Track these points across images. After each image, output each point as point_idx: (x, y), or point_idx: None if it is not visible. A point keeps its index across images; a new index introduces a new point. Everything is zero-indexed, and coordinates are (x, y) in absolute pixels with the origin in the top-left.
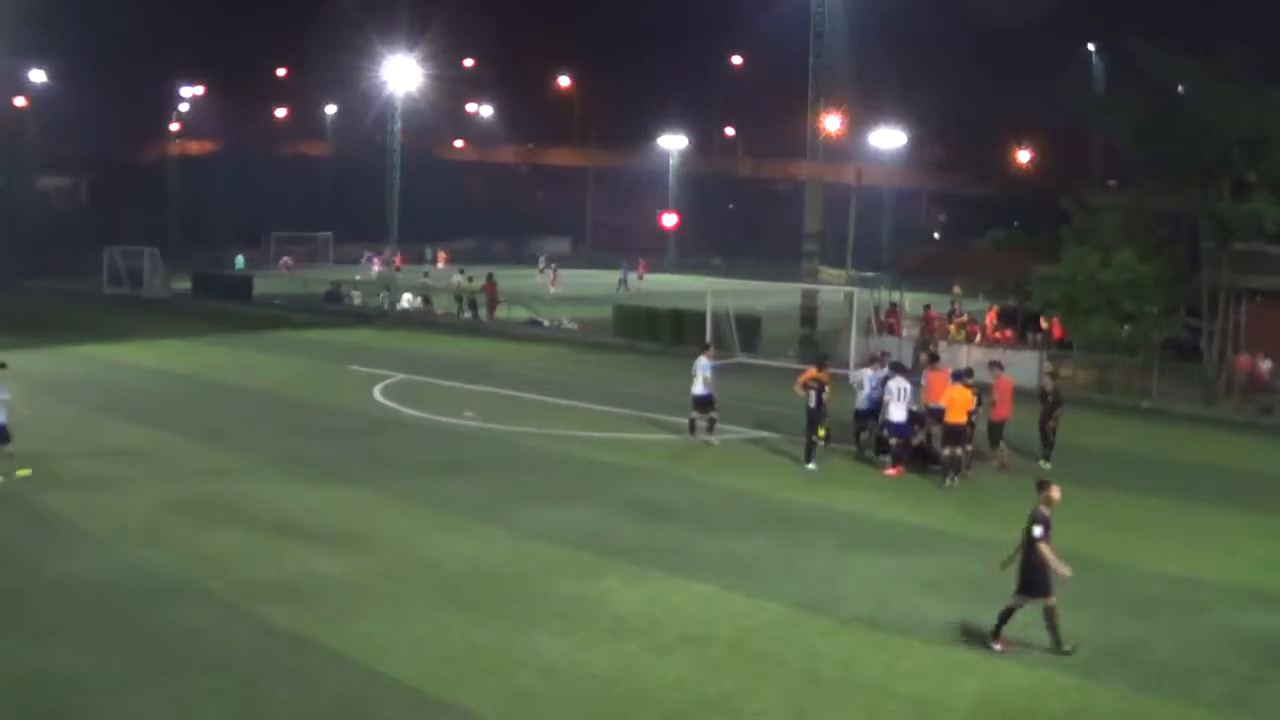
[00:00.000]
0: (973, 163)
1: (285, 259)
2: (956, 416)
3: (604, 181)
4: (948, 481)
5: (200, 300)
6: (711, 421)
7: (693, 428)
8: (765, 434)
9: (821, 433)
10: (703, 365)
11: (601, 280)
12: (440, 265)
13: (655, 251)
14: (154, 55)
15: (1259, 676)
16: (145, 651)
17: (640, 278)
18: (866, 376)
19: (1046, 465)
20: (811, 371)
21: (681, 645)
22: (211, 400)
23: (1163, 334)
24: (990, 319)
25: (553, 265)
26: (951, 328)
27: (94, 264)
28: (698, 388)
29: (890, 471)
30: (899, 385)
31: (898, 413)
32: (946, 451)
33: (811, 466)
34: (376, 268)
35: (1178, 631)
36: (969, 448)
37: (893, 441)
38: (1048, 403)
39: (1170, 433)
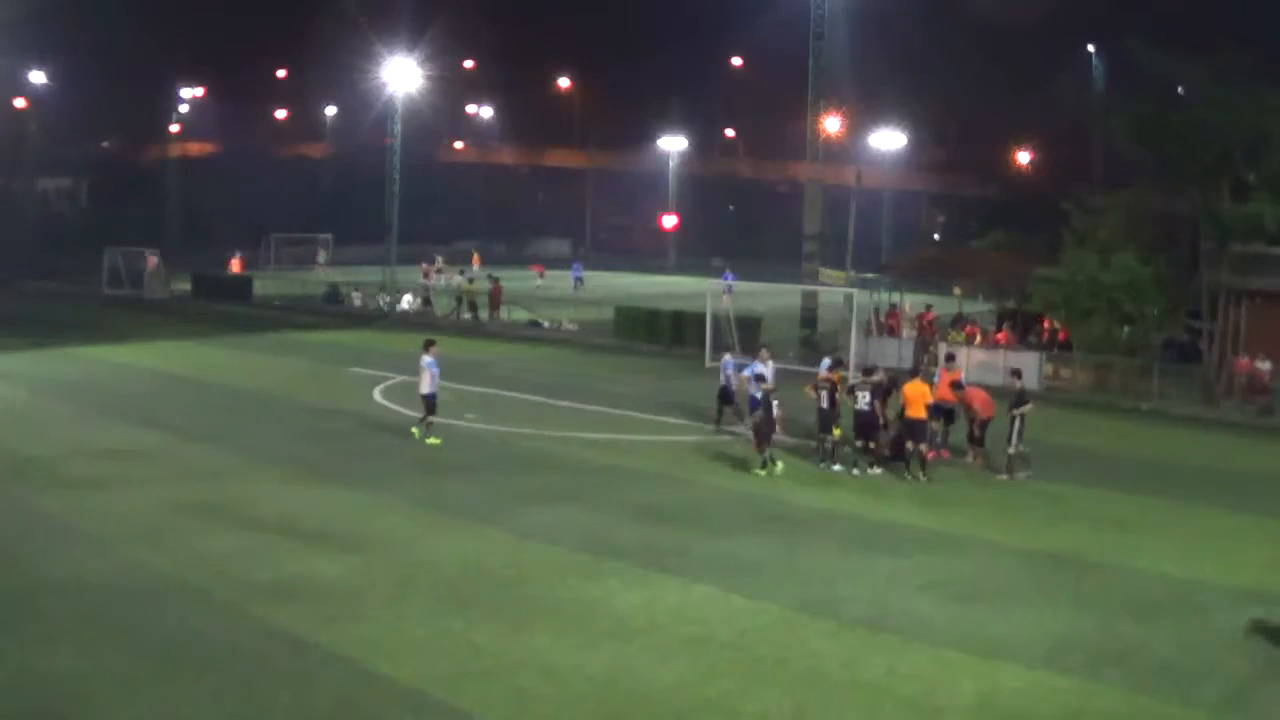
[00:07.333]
0: (973, 164)
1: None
2: (916, 412)
3: (604, 183)
4: (908, 476)
5: (200, 302)
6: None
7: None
8: None
9: (837, 432)
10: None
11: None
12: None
13: (656, 253)
14: (154, 55)
15: (1259, 678)
16: (145, 653)
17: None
18: (728, 363)
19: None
20: (829, 375)
21: (681, 646)
22: (212, 402)
23: (1163, 335)
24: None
25: (436, 260)
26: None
27: (94, 265)
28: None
29: (755, 448)
30: (742, 366)
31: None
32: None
33: (838, 468)
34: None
35: (1178, 633)
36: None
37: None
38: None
39: (1170, 434)
